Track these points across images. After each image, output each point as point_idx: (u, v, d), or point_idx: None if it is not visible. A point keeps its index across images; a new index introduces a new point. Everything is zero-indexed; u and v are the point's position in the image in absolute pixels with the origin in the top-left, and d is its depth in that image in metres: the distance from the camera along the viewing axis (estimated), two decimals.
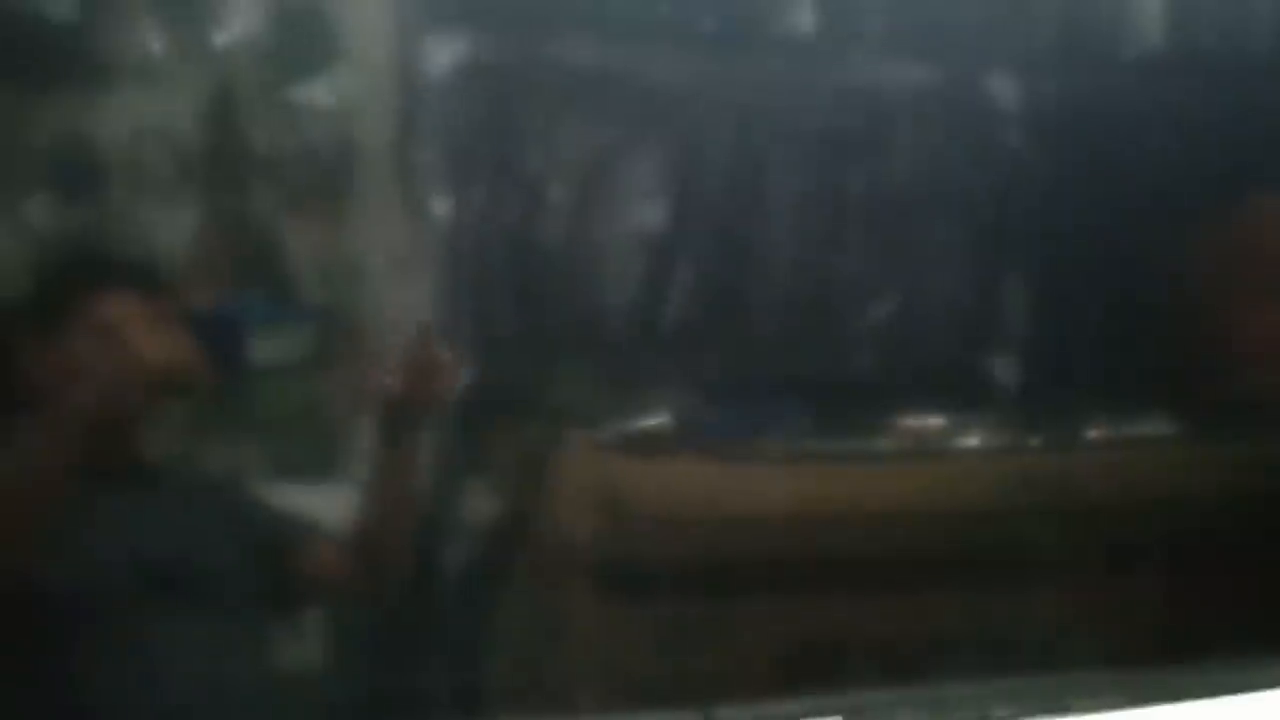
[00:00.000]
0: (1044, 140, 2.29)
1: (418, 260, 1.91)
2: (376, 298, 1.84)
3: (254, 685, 1.57)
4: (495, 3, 1.94)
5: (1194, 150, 2.27)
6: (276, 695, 1.65)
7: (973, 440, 2.11)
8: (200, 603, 1.44)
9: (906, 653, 1.96)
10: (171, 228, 1.68)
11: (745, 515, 1.92)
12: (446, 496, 1.88)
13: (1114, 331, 2.27)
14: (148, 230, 1.68)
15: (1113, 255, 2.27)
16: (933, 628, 1.97)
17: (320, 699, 1.73)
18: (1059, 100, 2.29)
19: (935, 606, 1.97)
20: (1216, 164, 2.27)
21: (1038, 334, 2.30)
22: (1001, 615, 2.00)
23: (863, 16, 2.17)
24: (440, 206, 1.96)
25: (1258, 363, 2.25)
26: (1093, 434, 2.14)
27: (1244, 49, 2.32)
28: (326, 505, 1.75)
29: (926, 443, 2.08)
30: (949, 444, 2.09)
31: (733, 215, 2.15)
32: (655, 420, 1.96)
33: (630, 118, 2.07)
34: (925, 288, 2.28)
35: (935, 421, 2.11)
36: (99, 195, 1.69)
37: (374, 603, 1.82)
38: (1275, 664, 2.10)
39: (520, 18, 1.95)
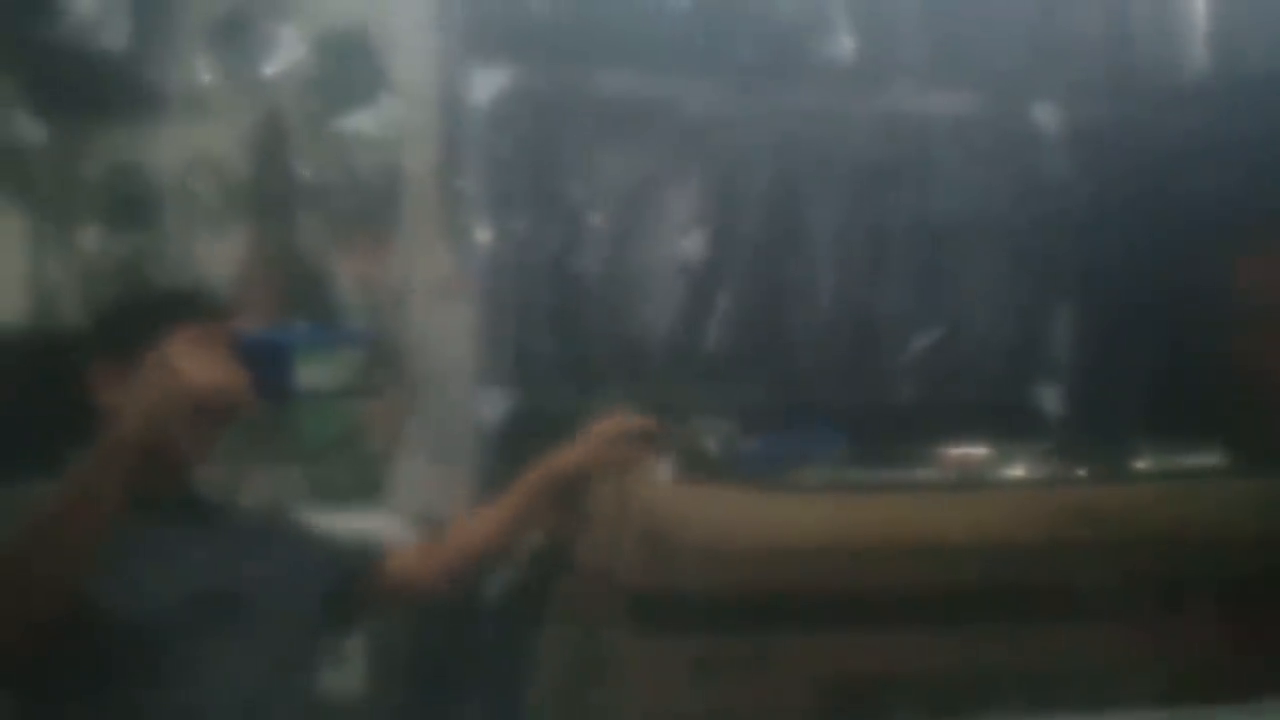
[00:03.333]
0: (1090, 171, 2.32)
1: (460, 286, 1.96)
2: (420, 323, 1.89)
3: (299, 709, 1.62)
4: (537, 36, 2.00)
5: (1243, 183, 2.28)
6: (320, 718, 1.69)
7: (1017, 471, 2.12)
8: (248, 629, 1.48)
9: (949, 688, 1.97)
10: (221, 256, 1.75)
11: (787, 546, 1.94)
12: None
13: (1162, 363, 2.28)
14: (197, 258, 1.75)
15: (1160, 286, 2.29)
16: (977, 663, 1.98)
17: None
18: (1106, 131, 2.32)
19: (979, 641, 1.97)
20: (1267, 197, 2.28)
21: (1083, 365, 2.32)
22: (1047, 651, 2.01)
23: (899, 48, 2.21)
24: (483, 234, 2.01)
25: None
26: (1140, 466, 2.15)
27: None
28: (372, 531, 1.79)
29: (970, 473, 2.09)
30: (993, 475, 2.10)
31: (774, 245, 2.19)
32: (697, 448, 1.99)
33: (671, 147, 2.12)
34: (969, 318, 2.30)
35: (979, 452, 2.12)
36: (150, 225, 1.77)
37: (418, 629, 1.86)
38: None
39: (562, 50, 2.01)
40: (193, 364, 1.30)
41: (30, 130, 1.79)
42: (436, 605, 1.85)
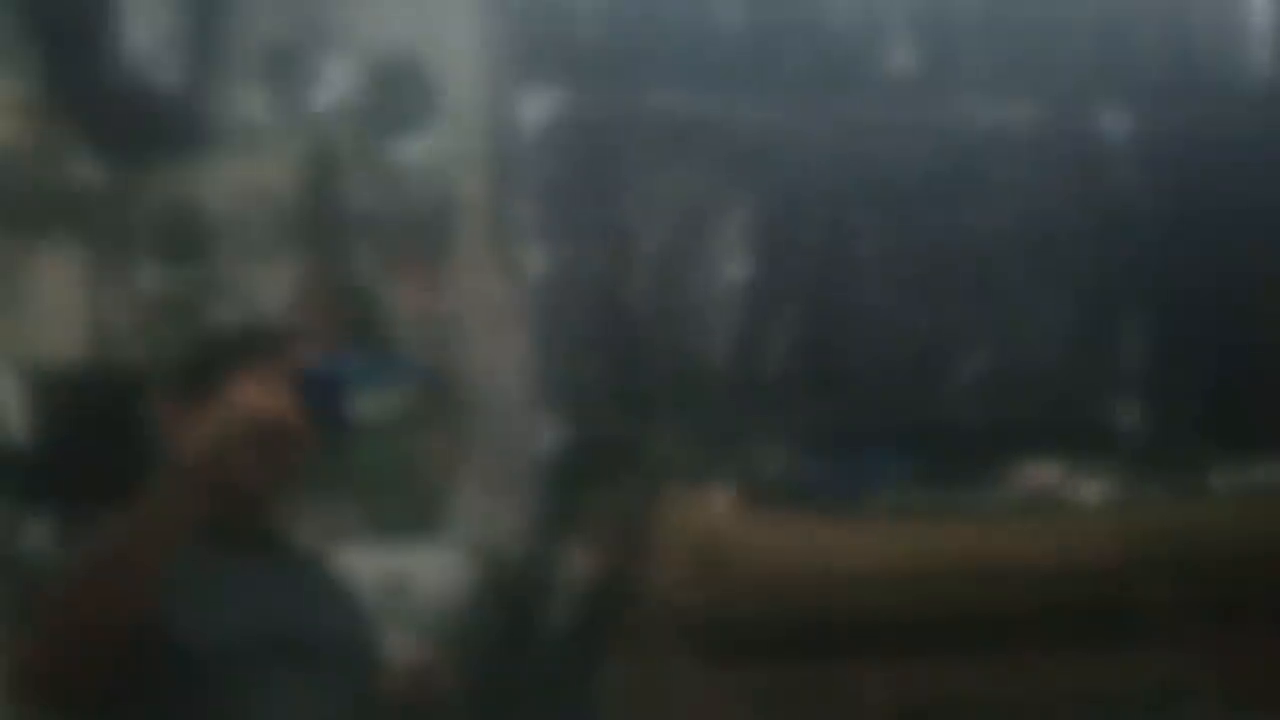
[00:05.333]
0: (1159, 182, 2.31)
1: (515, 314, 1.99)
2: (474, 352, 1.93)
3: None
4: (585, 62, 2.03)
5: None
6: None
7: (1086, 492, 2.11)
8: (311, 666, 1.51)
9: (1015, 713, 1.97)
10: (277, 287, 1.79)
11: (851, 571, 1.95)
12: (549, 554, 1.95)
13: (1237, 377, 2.27)
14: (254, 290, 1.80)
15: (1232, 298, 2.28)
16: (1046, 686, 1.98)
17: None
18: (1173, 144, 2.32)
19: (1049, 664, 1.98)
20: None
21: (1154, 381, 2.31)
22: (1115, 674, 2.00)
23: (953, 64, 2.22)
24: (536, 261, 2.04)
25: None
26: (1213, 484, 2.14)
27: None
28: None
29: (1036, 495, 2.09)
30: (1061, 496, 2.10)
31: (833, 266, 2.20)
32: (760, 476, 2.01)
33: (724, 170, 2.14)
34: (1035, 337, 2.30)
35: (1045, 473, 2.12)
36: (208, 257, 1.82)
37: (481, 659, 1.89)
38: None
39: (611, 75, 2.04)
40: (252, 394, 1.35)
41: (90, 170, 1.85)
42: (500, 635, 1.88)
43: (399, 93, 1.91)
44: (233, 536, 1.50)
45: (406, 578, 1.83)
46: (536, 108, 2.02)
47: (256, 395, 1.35)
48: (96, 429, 1.81)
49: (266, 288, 1.83)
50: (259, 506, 1.54)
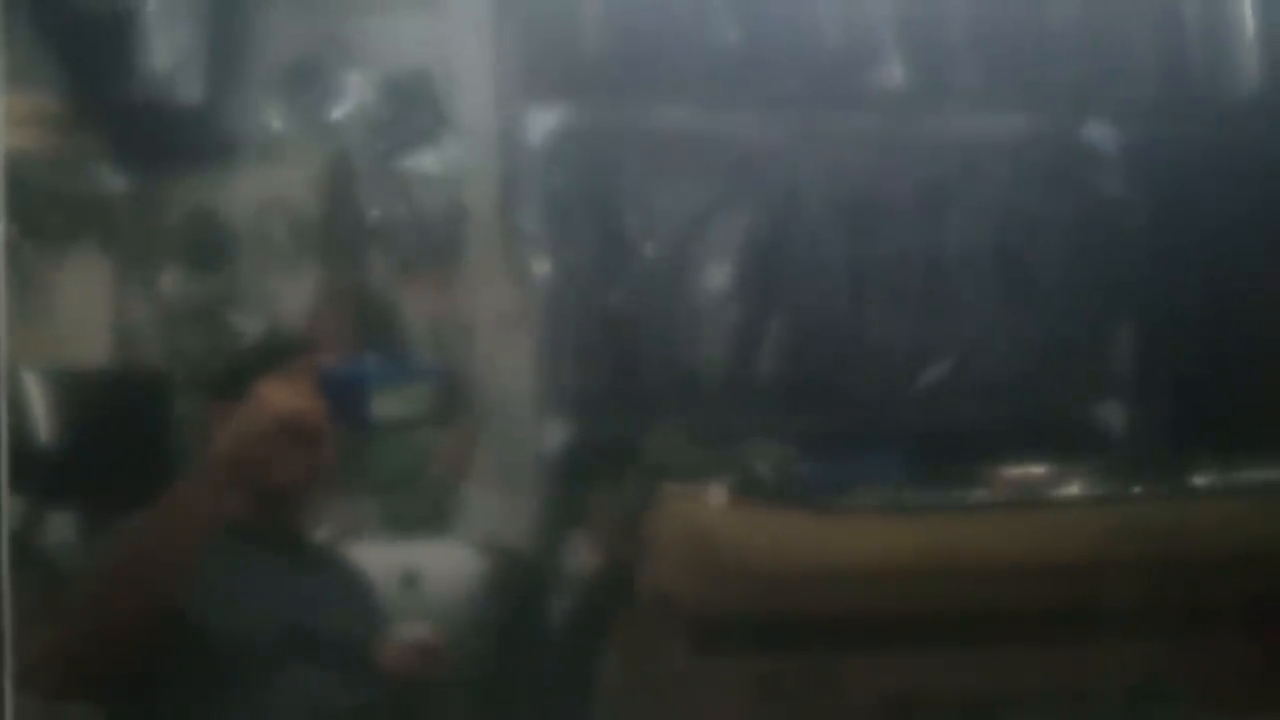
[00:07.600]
0: (1146, 187, 2.41)
1: (522, 319, 2.09)
2: (484, 356, 2.02)
3: None
4: (592, 75, 2.14)
5: None
6: None
7: (1075, 490, 2.20)
8: (326, 654, 1.62)
9: (1007, 710, 2.06)
10: (294, 294, 1.88)
11: (840, 568, 2.05)
12: (554, 548, 2.05)
13: (1225, 378, 2.36)
14: (272, 297, 1.90)
15: (1221, 300, 2.37)
16: (1030, 682, 2.06)
17: None
18: (1159, 147, 2.42)
19: (1034, 660, 2.06)
20: None
21: (1139, 383, 2.41)
22: (1108, 673, 2.09)
23: (949, 76, 2.33)
24: (542, 267, 2.14)
25: None
26: (1202, 483, 2.22)
27: None
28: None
29: (1028, 493, 2.18)
30: (1051, 494, 2.19)
31: (828, 272, 2.30)
32: (753, 474, 2.10)
33: (725, 180, 2.24)
34: (1025, 338, 2.40)
35: (1036, 471, 2.21)
36: (228, 266, 1.91)
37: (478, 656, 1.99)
38: None
39: (617, 89, 2.14)
40: (278, 393, 1.48)
41: (115, 179, 1.94)
42: (508, 625, 1.99)
43: (412, 107, 2.01)
44: (260, 532, 1.62)
45: (419, 571, 1.94)
46: (543, 122, 2.13)
47: (283, 395, 1.47)
48: (117, 430, 1.91)
49: (286, 293, 1.93)
50: (286, 503, 1.66)
